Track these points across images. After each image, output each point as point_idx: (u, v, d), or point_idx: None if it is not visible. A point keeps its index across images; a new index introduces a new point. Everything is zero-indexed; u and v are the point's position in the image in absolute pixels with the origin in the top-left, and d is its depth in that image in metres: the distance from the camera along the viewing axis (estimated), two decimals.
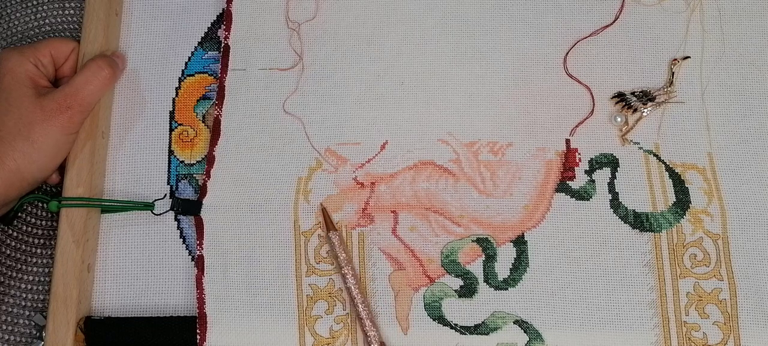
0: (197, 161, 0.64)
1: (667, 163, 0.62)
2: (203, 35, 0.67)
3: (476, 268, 0.60)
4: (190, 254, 0.62)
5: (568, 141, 0.63)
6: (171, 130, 0.65)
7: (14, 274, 0.62)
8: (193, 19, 0.67)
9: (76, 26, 0.68)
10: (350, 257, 0.60)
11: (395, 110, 0.64)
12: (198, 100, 0.65)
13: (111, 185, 0.63)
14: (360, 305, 0.58)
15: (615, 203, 0.61)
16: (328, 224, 0.60)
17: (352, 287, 0.58)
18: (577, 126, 0.63)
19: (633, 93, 0.64)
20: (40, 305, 0.61)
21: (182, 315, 0.60)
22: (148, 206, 0.62)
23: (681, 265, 0.60)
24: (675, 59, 0.64)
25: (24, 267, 0.62)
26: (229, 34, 0.66)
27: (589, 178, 0.62)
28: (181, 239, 0.62)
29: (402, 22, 0.66)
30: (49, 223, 0.63)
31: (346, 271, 0.59)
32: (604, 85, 0.64)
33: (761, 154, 0.62)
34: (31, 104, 0.58)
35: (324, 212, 0.61)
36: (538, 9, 0.66)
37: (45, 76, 0.61)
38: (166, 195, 0.63)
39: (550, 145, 0.63)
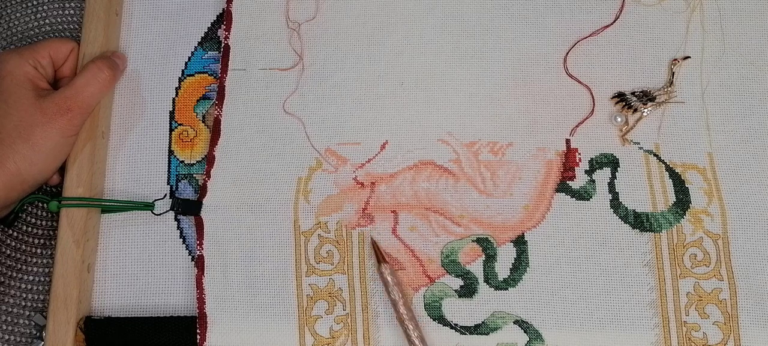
0: (197, 161, 0.64)
1: (667, 164, 0.62)
2: (203, 35, 0.67)
3: (476, 268, 0.60)
4: (190, 254, 0.62)
5: (568, 141, 0.63)
6: (171, 130, 0.65)
7: (14, 274, 0.62)
8: (193, 19, 0.67)
9: (76, 26, 0.68)
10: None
11: (395, 110, 0.64)
12: (198, 100, 0.65)
13: (111, 185, 0.63)
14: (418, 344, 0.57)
15: (615, 203, 0.61)
16: (379, 257, 0.59)
17: (408, 325, 0.57)
18: (577, 126, 0.63)
19: (633, 93, 0.64)
20: (40, 305, 0.61)
21: (182, 315, 0.60)
22: (148, 206, 0.62)
23: (681, 265, 0.60)
24: (675, 59, 0.64)
25: (24, 267, 0.62)
26: (229, 34, 0.66)
27: (589, 178, 0.62)
28: (181, 239, 0.62)
29: (402, 22, 0.66)
30: (49, 223, 0.63)
31: (401, 308, 0.58)
32: (604, 85, 0.64)
33: (761, 154, 0.62)
34: (31, 107, 0.58)
35: (374, 244, 0.60)
36: (538, 9, 0.66)
37: (44, 78, 0.61)
38: (166, 195, 0.63)
39: (550, 145, 0.63)
